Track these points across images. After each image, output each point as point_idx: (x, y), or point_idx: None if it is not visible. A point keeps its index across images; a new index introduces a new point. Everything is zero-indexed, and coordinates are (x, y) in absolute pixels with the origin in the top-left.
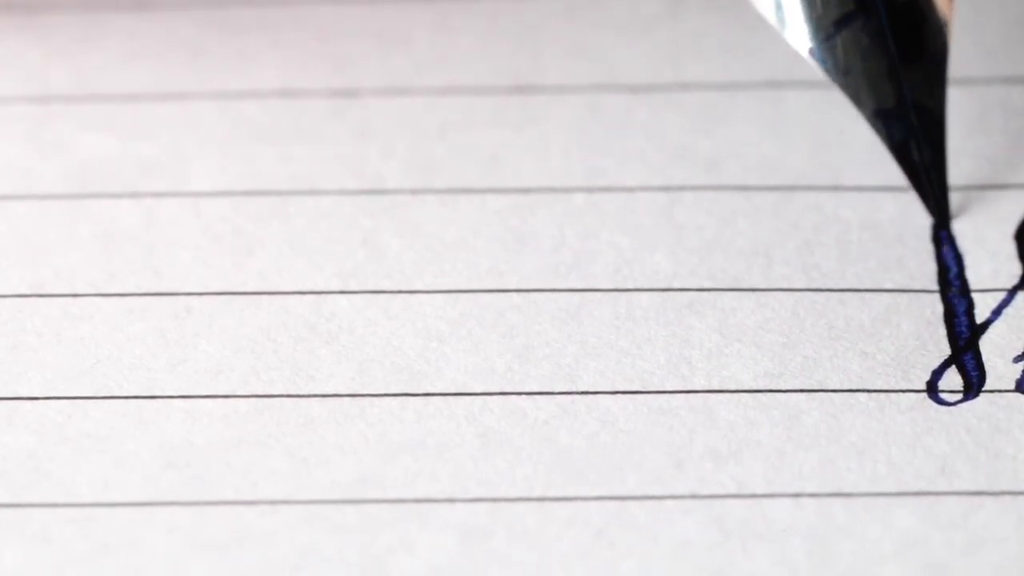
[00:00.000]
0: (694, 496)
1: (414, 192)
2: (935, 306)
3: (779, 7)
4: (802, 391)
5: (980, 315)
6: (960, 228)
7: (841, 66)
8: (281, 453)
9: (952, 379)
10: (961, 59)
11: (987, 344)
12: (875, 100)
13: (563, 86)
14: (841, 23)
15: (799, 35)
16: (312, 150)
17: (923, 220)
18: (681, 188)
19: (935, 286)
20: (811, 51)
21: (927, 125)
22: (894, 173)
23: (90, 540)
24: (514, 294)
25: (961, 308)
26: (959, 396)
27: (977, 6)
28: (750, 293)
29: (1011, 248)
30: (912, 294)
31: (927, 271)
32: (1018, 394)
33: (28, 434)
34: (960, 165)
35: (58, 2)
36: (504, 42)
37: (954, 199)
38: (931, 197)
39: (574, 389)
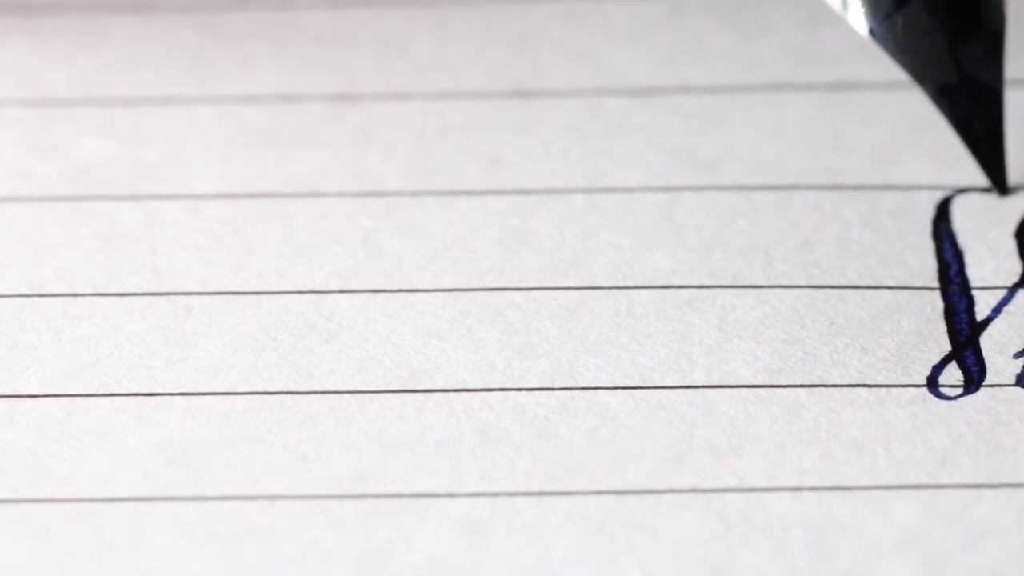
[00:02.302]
0: (694, 490)
1: (414, 194)
2: (935, 303)
3: None
4: (802, 386)
5: (980, 312)
6: (961, 226)
7: (902, 44)
8: (281, 449)
9: (952, 374)
10: None
11: (987, 341)
12: (937, 76)
13: (563, 89)
14: (900, 2)
15: (859, 16)
16: (312, 153)
17: (924, 218)
18: (681, 189)
19: (935, 283)
20: (872, 31)
21: (985, 99)
22: (894, 171)
23: (91, 536)
24: (514, 292)
25: (961, 305)
26: (959, 391)
27: None
28: (750, 290)
29: (1011, 246)
30: (912, 291)
31: (927, 268)
32: (1018, 388)
33: (29, 431)
34: (961, 165)
35: (58, 5)
36: (504, 45)
37: (956, 199)
38: (993, 169)
39: (574, 385)
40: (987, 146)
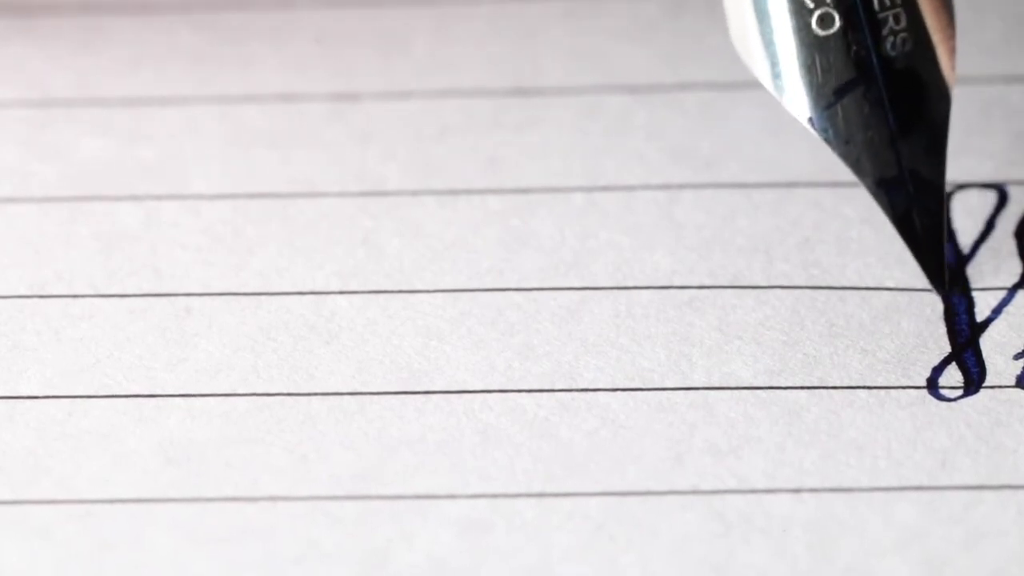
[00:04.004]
0: (694, 491)
1: (414, 193)
2: (935, 304)
3: (777, 75)
4: (802, 388)
5: (980, 313)
6: (961, 226)
7: (842, 135)
8: (281, 449)
9: (952, 376)
10: (961, 58)
11: (987, 342)
12: (876, 170)
13: (563, 87)
14: (841, 91)
15: (799, 103)
16: (312, 153)
17: None
18: (680, 187)
19: None
20: (811, 120)
21: (925, 195)
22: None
23: (91, 537)
24: (514, 292)
25: (961, 306)
26: (959, 392)
27: (977, 5)
28: (750, 290)
29: (1011, 246)
30: (913, 292)
31: None
32: (1018, 389)
33: (29, 431)
34: (960, 163)
35: (59, 6)
36: (503, 44)
37: (955, 197)
38: (931, 267)
39: (574, 386)
40: (927, 243)
